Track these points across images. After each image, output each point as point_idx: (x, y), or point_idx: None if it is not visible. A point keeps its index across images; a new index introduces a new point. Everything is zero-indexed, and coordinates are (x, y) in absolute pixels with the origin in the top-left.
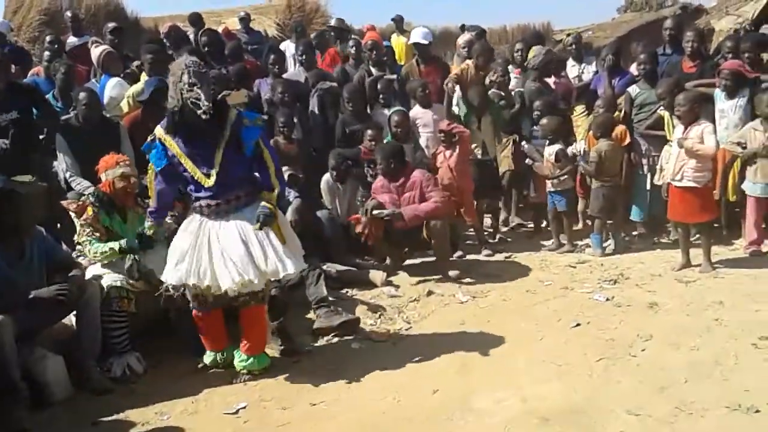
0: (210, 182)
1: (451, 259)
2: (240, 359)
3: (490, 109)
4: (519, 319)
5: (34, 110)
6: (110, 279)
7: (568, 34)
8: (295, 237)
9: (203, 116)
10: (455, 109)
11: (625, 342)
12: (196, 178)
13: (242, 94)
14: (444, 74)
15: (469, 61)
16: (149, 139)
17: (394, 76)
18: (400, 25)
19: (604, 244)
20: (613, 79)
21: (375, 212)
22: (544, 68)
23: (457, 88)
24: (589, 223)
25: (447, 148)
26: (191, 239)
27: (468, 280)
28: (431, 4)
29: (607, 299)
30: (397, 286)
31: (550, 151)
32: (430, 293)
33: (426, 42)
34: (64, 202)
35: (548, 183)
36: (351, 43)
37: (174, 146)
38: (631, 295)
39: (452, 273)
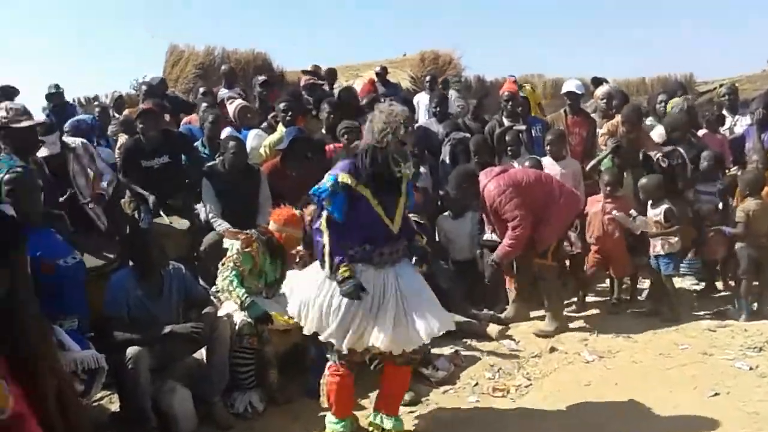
0: (396, 228)
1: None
2: (378, 419)
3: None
4: (650, 383)
5: (184, 156)
6: (243, 315)
7: (721, 85)
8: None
9: (397, 174)
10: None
11: None
12: (385, 222)
13: None
14: (590, 128)
15: (619, 117)
16: (328, 184)
17: (524, 127)
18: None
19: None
20: (763, 134)
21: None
22: (687, 124)
23: (609, 142)
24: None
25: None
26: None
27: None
28: (566, 57)
29: (751, 368)
30: (518, 341)
31: (657, 212)
32: (553, 350)
33: (580, 92)
34: (231, 230)
35: (655, 245)
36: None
37: (366, 191)
38: None
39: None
